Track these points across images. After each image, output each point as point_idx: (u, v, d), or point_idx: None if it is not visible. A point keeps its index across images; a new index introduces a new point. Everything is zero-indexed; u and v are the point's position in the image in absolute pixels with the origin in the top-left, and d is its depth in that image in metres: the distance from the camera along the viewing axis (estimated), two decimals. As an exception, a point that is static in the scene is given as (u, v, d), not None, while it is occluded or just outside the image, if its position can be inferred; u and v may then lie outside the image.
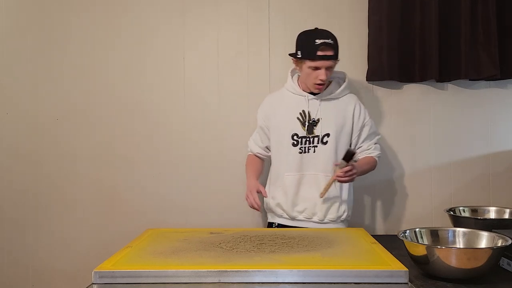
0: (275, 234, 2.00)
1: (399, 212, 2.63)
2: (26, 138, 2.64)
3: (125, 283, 1.52)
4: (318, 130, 2.19)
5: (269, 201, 2.29)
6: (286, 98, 2.27)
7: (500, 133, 2.64)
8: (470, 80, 2.61)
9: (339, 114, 2.22)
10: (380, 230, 2.59)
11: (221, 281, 1.50)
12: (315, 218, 2.21)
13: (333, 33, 2.15)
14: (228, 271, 1.51)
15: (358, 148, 2.26)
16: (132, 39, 2.63)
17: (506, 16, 2.54)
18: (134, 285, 1.51)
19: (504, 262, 1.70)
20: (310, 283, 1.50)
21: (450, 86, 2.64)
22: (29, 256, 2.64)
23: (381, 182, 2.63)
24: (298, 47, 2.18)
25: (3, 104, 2.65)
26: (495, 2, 2.50)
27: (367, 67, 2.58)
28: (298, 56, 2.16)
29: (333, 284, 1.49)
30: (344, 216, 2.24)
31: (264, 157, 2.36)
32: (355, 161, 2.20)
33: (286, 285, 1.50)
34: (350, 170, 2.08)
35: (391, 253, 1.71)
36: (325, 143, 2.19)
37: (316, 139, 2.19)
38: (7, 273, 2.63)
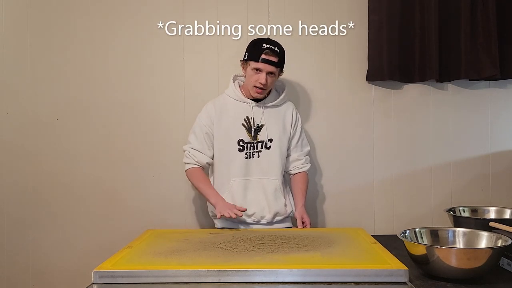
0: (275, 234, 2.00)
1: (399, 212, 2.63)
2: (26, 137, 2.64)
3: (125, 283, 1.52)
4: (262, 136, 2.27)
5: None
6: (230, 105, 2.31)
7: (500, 133, 2.64)
8: (470, 80, 2.61)
9: (280, 120, 2.31)
10: (380, 230, 2.59)
11: (221, 281, 1.50)
12: (263, 221, 2.27)
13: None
14: (228, 270, 1.51)
15: (290, 156, 2.35)
16: (132, 39, 2.63)
17: (506, 16, 2.54)
18: (134, 285, 1.51)
19: (504, 262, 1.70)
20: (310, 283, 1.50)
21: (450, 86, 2.64)
22: (29, 256, 2.64)
23: (382, 182, 2.63)
24: (246, 50, 2.25)
25: (3, 104, 2.65)
26: (495, 2, 2.50)
27: (367, 67, 2.58)
28: (244, 58, 2.23)
29: (333, 284, 1.49)
30: (289, 213, 2.31)
31: (208, 166, 2.35)
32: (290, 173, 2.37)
33: (286, 284, 1.50)
34: (304, 222, 2.23)
35: (391, 253, 1.71)
36: (269, 148, 2.27)
37: (260, 144, 2.27)
38: (7, 273, 2.63)
